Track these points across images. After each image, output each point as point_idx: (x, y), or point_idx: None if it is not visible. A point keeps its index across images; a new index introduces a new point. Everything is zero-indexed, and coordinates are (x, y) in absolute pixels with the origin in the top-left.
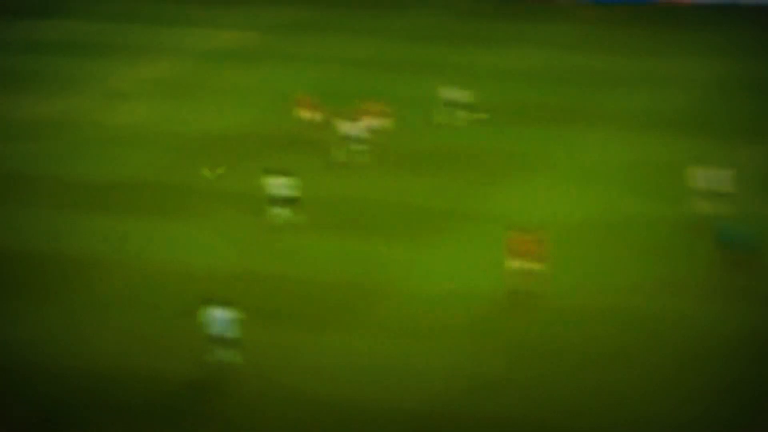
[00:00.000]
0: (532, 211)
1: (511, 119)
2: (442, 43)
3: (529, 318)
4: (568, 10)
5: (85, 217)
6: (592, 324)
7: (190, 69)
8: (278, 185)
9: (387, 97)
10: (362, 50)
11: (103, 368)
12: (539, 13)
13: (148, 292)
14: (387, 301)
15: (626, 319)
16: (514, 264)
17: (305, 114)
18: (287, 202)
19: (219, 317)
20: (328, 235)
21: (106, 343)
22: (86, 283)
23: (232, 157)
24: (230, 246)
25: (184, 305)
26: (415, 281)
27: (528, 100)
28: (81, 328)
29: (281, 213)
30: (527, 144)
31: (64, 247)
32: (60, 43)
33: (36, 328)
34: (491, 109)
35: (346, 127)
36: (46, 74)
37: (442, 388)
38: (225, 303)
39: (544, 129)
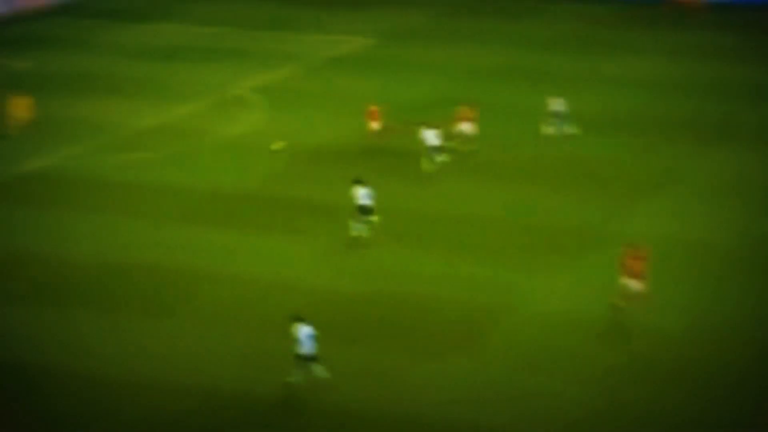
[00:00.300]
0: (655, 228)
1: (632, 131)
2: (565, 51)
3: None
4: (699, 14)
5: (186, 229)
6: (710, 348)
7: (306, 76)
8: (364, 195)
9: (496, 105)
10: (490, 57)
11: (200, 384)
12: (674, 19)
13: (247, 306)
14: (498, 323)
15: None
16: (627, 282)
17: (374, 125)
18: (367, 211)
19: (307, 334)
20: (433, 253)
21: (204, 359)
22: (187, 296)
23: (340, 170)
24: (328, 261)
25: (279, 321)
26: (527, 302)
27: (652, 112)
28: (178, 342)
29: (374, 222)
30: (653, 158)
31: (163, 259)
32: (174, 49)
33: (139, 342)
34: (608, 120)
35: (429, 137)
36: (161, 80)
37: (570, 416)
38: (311, 321)
39: (671, 143)
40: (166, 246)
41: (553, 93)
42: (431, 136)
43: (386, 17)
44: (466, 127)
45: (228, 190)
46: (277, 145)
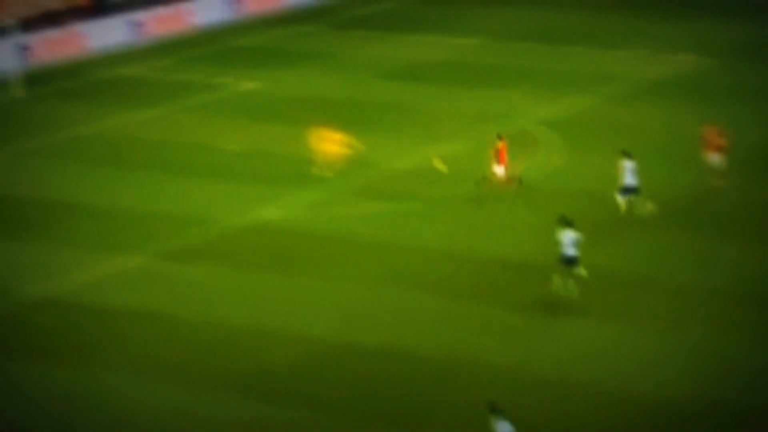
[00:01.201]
0: None
1: None
2: None
3: None
4: None
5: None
6: None
7: (609, 105)
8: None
9: None
10: None
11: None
12: None
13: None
14: None
15: None
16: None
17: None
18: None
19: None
20: None
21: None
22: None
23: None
24: None
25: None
26: None
27: None
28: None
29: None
30: None
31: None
32: (432, 66)
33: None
34: None
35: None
36: (413, 107)
37: None
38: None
39: None
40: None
41: None
42: (628, 169)
43: (725, 29)
44: (714, 158)
45: (514, 258)
46: (439, 163)
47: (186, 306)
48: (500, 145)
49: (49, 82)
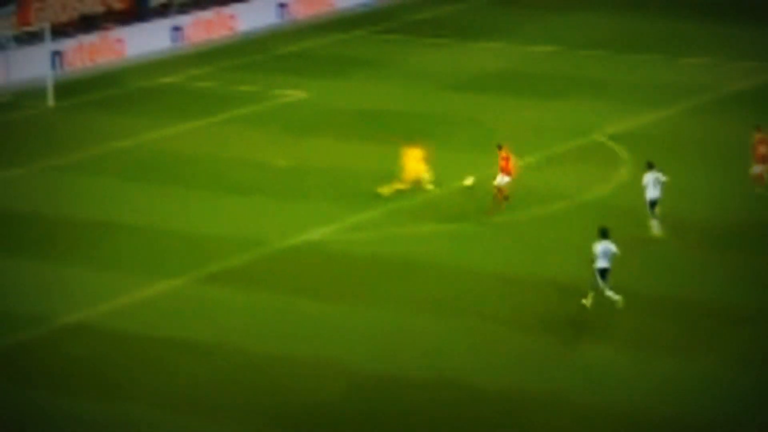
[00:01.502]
0: None
1: None
2: None
3: None
4: None
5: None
6: None
7: (691, 117)
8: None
9: None
10: None
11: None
12: None
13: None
14: None
15: None
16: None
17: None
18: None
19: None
20: None
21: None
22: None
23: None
24: None
25: None
26: None
27: None
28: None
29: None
30: None
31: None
32: (499, 76)
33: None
34: None
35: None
36: (475, 118)
37: None
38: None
39: None
40: None
41: None
42: (651, 183)
43: None
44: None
45: (564, 280)
46: (468, 182)
47: (225, 333)
48: (503, 155)
49: (83, 92)
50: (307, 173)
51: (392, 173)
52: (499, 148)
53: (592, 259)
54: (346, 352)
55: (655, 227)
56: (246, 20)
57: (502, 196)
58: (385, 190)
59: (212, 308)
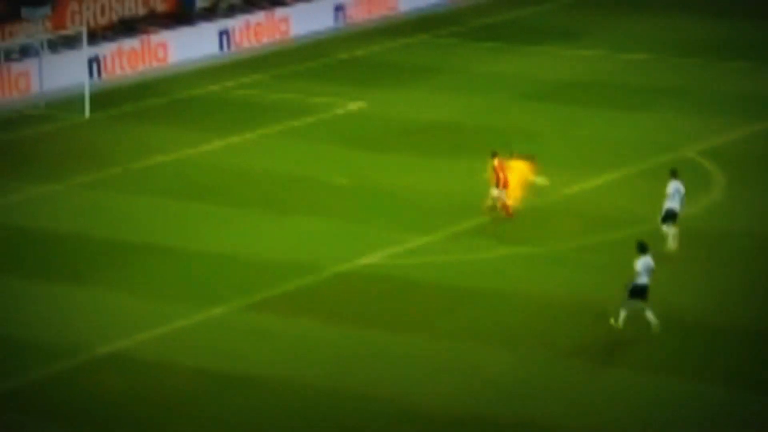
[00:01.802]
0: None
1: None
2: None
3: None
4: None
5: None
6: None
7: None
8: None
9: None
10: None
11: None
12: None
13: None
14: None
15: None
16: None
17: None
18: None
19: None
20: None
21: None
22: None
23: None
24: None
25: None
26: None
27: None
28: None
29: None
30: None
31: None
32: (579, 85)
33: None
34: None
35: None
36: (556, 130)
37: None
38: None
39: None
40: None
41: None
42: (673, 193)
43: None
44: None
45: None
46: (542, 181)
47: (272, 365)
48: (495, 163)
49: (122, 102)
50: (367, 191)
51: (462, 192)
52: (493, 155)
53: (629, 277)
54: (405, 387)
55: (670, 241)
56: (300, 24)
57: (500, 205)
58: (489, 203)
59: (259, 338)
